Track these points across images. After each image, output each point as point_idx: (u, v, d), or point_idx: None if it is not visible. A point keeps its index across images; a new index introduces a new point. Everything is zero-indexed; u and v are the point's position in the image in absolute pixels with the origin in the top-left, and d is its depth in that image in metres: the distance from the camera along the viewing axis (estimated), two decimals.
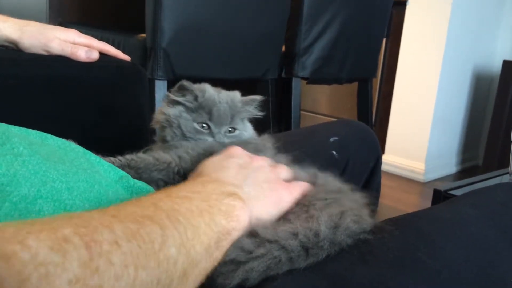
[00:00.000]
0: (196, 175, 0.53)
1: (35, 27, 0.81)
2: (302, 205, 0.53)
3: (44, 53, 0.80)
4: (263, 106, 0.71)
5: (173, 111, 0.67)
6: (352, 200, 0.55)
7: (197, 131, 0.66)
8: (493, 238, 0.51)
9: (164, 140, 0.67)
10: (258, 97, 0.70)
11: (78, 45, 0.83)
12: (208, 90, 0.68)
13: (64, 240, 0.30)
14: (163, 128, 0.67)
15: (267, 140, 0.69)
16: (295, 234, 0.45)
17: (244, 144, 0.63)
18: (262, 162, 0.57)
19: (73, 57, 0.81)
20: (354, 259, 0.45)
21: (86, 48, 0.83)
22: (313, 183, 0.58)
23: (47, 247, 0.29)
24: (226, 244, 0.43)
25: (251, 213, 0.47)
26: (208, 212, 0.43)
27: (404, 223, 0.52)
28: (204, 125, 0.66)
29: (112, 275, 0.31)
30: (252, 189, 0.50)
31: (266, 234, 0.45)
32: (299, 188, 0.56)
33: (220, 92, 0.69)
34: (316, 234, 0.45)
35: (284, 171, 0.59)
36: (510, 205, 0.57)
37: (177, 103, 0.67)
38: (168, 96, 0.68)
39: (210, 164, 0.54)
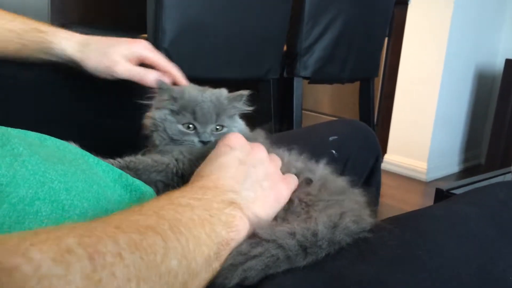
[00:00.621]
0: (197, 176, 0.52)
1: (97, 45, 0.74)
2: (305, 204, 0.54)
3: (109, 77, 0.73)
4: (252, 100, 0.70)
5: (159, 114, 0.66)
6: (354, 201, 0.55)
7: (182, 133, 0.64)
8: (492, 236, 0.50)
9: (154, 145, 0.67)
10: (245, 92, 0.69)
11: (144, 61, 0.77)
12: (188, 90, 0.67)
13: (67, 251, 0.30)
14: (151, 132, 0.67)
15: (259, 134, 0.68)
16: (292, 234, 0.45)
17: None
18: (261, 153, 0.56)
19: (141, 82, 0.75)
20: (354, 257, 0.45)
21: (156, 75, 0.75)
22: (296, 173, 0.58)
23: (50, 259, 0.29)
24: (224, 254, 0.43)
25: (251, 215, 0.47)
26: (209, 222, 0.43)
27: (403, 221, 0.52)
28: (190, 125, 0.65)
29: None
30: (251, 191, 0.50)
31: (263, 234, 0.45)
32: (294, 180, 0.56)
33: (205, 91, 0.68)
34: (314, 234, 0.45)
35: (278, 160, 0.59)
36: (510, 203, 0.57)
37: (163, 106, 0.66)
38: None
39: (209, 162, 0.54)
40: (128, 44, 0.75)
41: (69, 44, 0.72)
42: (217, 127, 0.66)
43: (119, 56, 0.74)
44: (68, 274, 0.29)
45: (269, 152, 0.58)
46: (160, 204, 0.42)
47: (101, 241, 0.32)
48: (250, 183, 0.51)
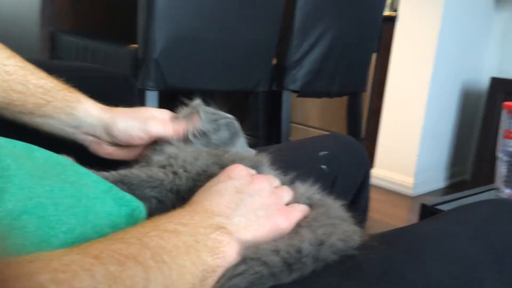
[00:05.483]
0: (189, 202, 0.51)
1: (125, 108, 0.70)
2: (298, 226, 0.53)
3: (142, 134, 0.67)
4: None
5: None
6: (349, 227, 0.54)
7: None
8: (478, 255, 0.51)
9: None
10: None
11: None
12: None
13: None
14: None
15: (263, 156, 0.67)
16: (276, 251, 0.45)
17: (240, 159, 0.62)
18: (262, 184, 0.54)
19: (177, 134, 0.70)
20: (340, 274, 0.45)
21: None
22: (310, 204, 0.57)
23: None
24: (211, 282, 0.42)
25: (241, 243, 0.46)
26: (194, 248, 0.42)
27: (389, 239, 0.53)
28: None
29: None
30: (244, 218, 0.48)
31: (247, 253, 0.45)
32: (298, 213, 0.54)
33: None
34: (299, 251, 0.45)
35: (286, 193, 0.57)
36: (495, 221, 0.58)
37: None
38: None
39: (206, 189, 0.53)
40: (156, 109, 0.72)
41: (95, 107, 0.69)
42: None
43: (151, 114, 0.70)
44: None
45: (274, 179, 0.58)
46: (145, 230, 0.41)
47: (76, 276, 0.31)
48: (244, 210, 0.49)
